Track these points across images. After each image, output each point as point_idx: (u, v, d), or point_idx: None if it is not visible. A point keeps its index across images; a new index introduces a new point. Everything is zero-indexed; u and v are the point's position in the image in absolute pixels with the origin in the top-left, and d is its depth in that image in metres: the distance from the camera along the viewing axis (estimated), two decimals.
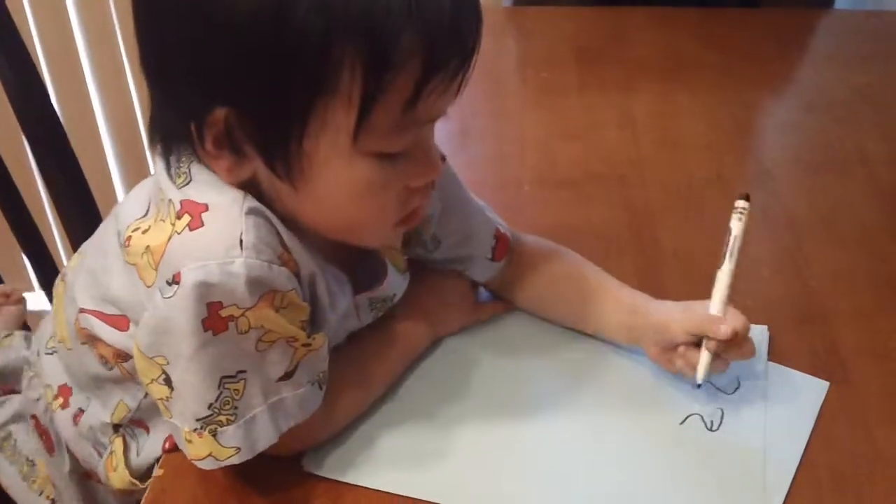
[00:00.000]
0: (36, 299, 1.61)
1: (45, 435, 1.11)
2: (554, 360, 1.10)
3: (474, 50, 0.83)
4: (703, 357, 0.99)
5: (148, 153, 2.49)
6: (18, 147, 1.47)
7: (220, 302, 0.82)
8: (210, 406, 0.86)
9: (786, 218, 1.37)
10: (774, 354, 1.09)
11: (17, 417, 1.15)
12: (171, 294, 0.82)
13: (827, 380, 1.06)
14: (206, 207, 0.84)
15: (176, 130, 0.87)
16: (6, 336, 1.23)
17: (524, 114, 1.67)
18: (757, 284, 1.21)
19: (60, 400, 1.07)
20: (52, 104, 1.34)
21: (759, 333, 1.11)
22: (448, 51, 0.80)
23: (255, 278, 0.82)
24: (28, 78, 1.31)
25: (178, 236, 0.83)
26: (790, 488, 0.93)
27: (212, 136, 0.83)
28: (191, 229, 0.83)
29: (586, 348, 1.11)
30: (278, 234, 0.86)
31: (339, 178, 0.84)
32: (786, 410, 1.02)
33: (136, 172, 2.52)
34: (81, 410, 1.04)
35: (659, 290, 1.19)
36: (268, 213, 0.85)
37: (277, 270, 0.84)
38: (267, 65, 0.77)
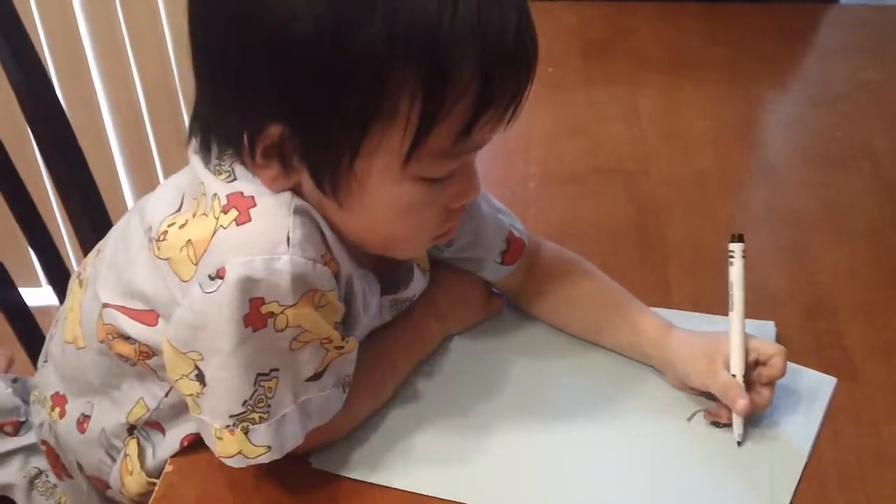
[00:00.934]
0: (43, 295, 1.61)
1: (57, 460, 1.11)
2: (567, 361, 1.10)
3: (528, 85, 0.83)
4: (736, 417, 0.98)
5: (154, 148, 2.49)
6: (25, 143, 1.47)
7: (262, 298, 0.82)
8: (245, 403, 0.86)
9: (791, 213, 1.37)
10: None
11: (37, 450, 1.16)
12: (213, 289, 0.82)
13: (834, 376, 1.06)
14: (253, 203, 0.84)
15: (225, 134, 0.87)
16: None
17: (530, 109, 1.63)
18: (763, 279, 1.21)
19: (58, 410, 1.07)
20: (58, 100, 1.34)
21: (766, 329, 1.11)
22: (505, 83, 0.80)
23: (300, 276, 0.82)
24: (34, 74, 1.30)
25: (224, 231, 0.83)
26: (798, 485, 0.93)
27: (262, 147, 0.83)
28: (237, 224, 0.83)
29: (599, 350, 1.11)
30: (322, 234, 0.87)
31: (385, 198, 0.85)
32: (793, 407, 1.02)
33: (141, 169, 2.53)
34: (86, 416, 1.04)
35: (665, 286, 1.20)
36: (313, 212, 0.86)
37: (321, 269, 0.84)
38: (327, 87, 0.78)
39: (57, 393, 1.07)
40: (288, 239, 0.82)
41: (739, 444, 0.97)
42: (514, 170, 1.48)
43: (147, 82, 2.40)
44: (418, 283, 1.05)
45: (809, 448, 0.97)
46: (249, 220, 0.83)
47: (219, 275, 0.81)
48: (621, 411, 1.03)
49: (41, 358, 1.13)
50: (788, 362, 1.05)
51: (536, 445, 0.99)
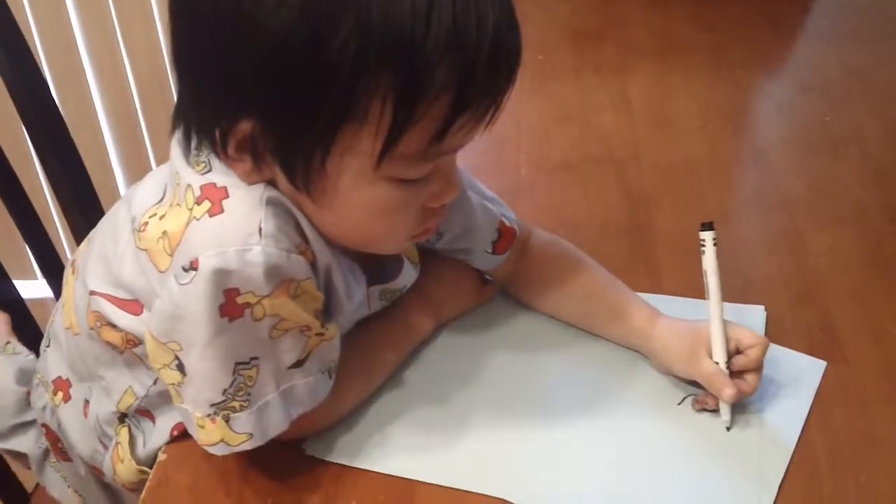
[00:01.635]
0: (38, 288, 1.61)
1: (59, 442, 1.12)
2: (558, 348, 1.10)
3: (507, 90, 0.82)
4: (723, 404, 0.99)
5: (148, 141, 2.49)
6: (19, 136, 1.46)
7: (236, 289, 0.82)
8: (224, 392, 0.86)
9: (781, 198, 1.37)
10: (771, 334, 1.09)
11: None
12: (187, 280, 0.82)
13: (824, 359, 1.06)
14: (226, 194, 0.84)
15: (200, 126, 0.87)
16: (7, 343, 1.24)
17: (520, 97, 1.63)
18: (753, 264, 1.22)
19: (60, 394, 1.07)
20: (51, 94, 1.34)
21: (756, 314, 1.12)
22: (481, 90, 0.79)
23: (273, 266, 0.82)
24: (27, 68, 1.30)
25: (197, 222, 0.83)
26: (788, 468, 0.94)
27: (235, 142, 0.83)
28: (210, 216, 0.83)
29: (590, 337, 1.11)
30: (297, 224, 0.86)
31: (358, 198, 0.85)
32: (783, 390, 1.02)
33: (135, 161, 2.52)
34: (87, 401, 1.05)
35: (655, 272, 1.20)
36: (287, 203, 0.85)
37: (295, 259, 0.84)
38: (299, 86, 0.77)
39: (60, 377, 1.08)
40: (260, 230, 0.82)
41: (728, 429, 0.98)
42: (505, 157, 1.48)
43: (139, 74, 2.39)
44: (408, 275, 1.05)
45: (799, 431, 0.98)
46: (222, 211, 0.83)
47: (192, 266, 0.82)
48: (611, 398, 1.03)
49: (44, 342, 1.14)
50: (778, 346, 1.06)
51: (525, 432, 1.00)
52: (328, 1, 0.74)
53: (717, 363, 0.99)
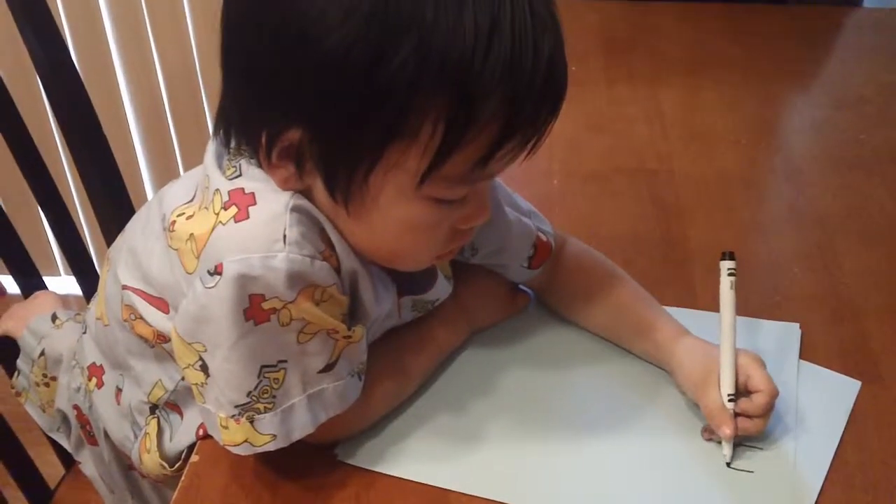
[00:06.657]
0: (61, 284, 1.62)
1: (87, 425, 1.13)
2: (591, 363, 1.10)
3: (552, 122, 0.83)
4: (725, 443, 0.97)
5: (177, 145, 2.50)
6: (49, 136, 1.47)
7: (262, 295, 0.82)
8: (249, 394, 0.87)
9: (815, 215, 1.37)
10: (806, 353, 1.08)
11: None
12: (212, 284, 0.82)
13: (858, 379, 1.05)
14: (253, 200, 0.84)
15: (245, 131, 0.87)
16: (66, 321, 1.25)
17: None
18: (787, 282, 1.21)
19: (94, 380, 1.09)
20: (86, 95, 1.35)
21: (791, 332, 1.11)
22: (528, 120, 0.80)
23: (296, 273, 0.83)
24: (62, 67, 1.31)
25: (223, 227, 0.84)
26: (822, 487, 0.93)
27: (280, 149, 0.83)
28: (236, 221, 0.83)
29: (623, 352, 1.10)
30: (322, 230, 0.87)
31: (394, 214, 0.85)
32: (817, 409, 1.02)
33: (163, 165, 2.54)
34: (119, 389, 1.06)
35: (687, 286, 1.20)
36: (313, 210, 0.86)
37: (319, 265, 0.85)
38: (354, 101, 0.78)
39: (94, 363, 1.09)
40: (284, 237, 0.83)
41: (728, 465, 0.96)
42: (538, 167, 1.48)
43: (169, 74, 2.40)
44: (442, 288, 1.05)
45: (833, 451, 0.97)
46: (248, 217, 0.84)
47: (217, 271, 0.82)
48: (638, 412, 1.03)
49: (80, 329, 1.16)
50: (813, 364, 1.05)
51: (552, 445, 1.00)
52: (393, 19, 0.74)
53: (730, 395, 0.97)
